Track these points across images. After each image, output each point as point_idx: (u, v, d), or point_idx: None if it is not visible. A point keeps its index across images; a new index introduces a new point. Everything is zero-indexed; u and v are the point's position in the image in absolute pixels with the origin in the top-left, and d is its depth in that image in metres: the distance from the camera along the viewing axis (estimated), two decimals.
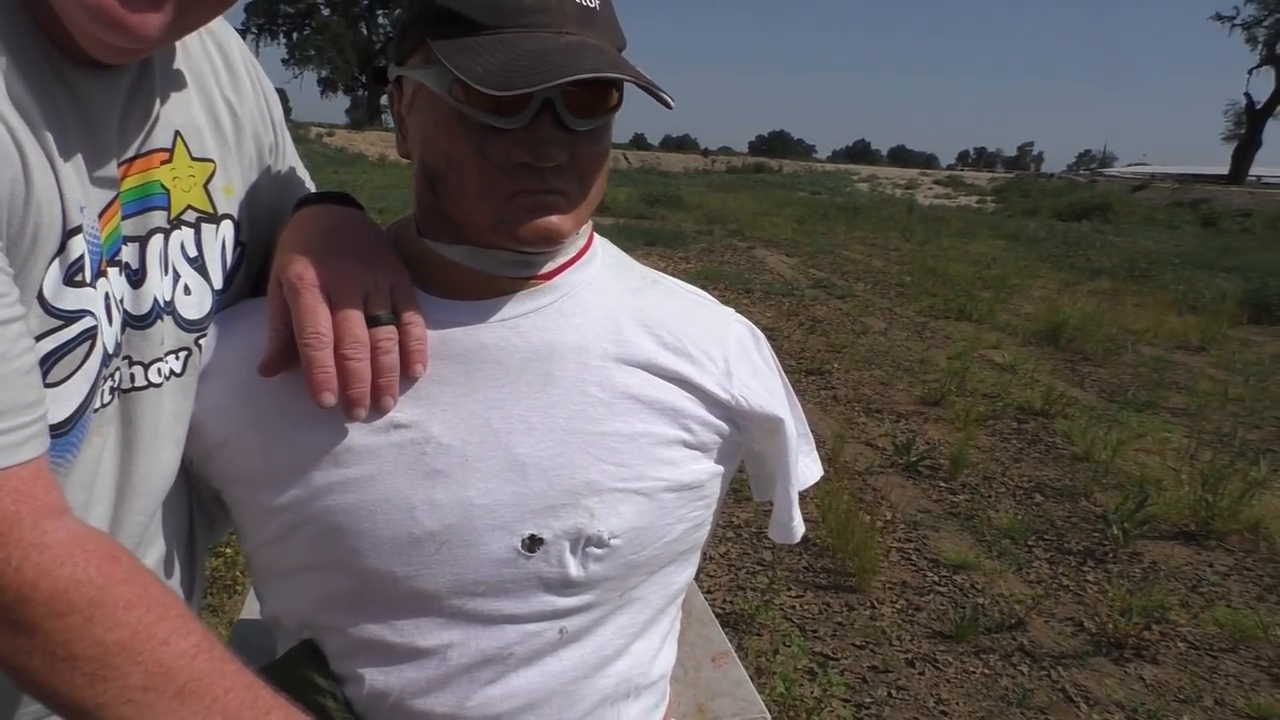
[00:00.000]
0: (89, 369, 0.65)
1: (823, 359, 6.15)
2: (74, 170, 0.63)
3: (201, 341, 0.79)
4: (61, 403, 0.64)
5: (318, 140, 29.71)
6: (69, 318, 0.63)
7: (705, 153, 67.47)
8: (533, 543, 0.76)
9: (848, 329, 7.26)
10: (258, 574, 0.85)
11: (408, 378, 0.75)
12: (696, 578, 1.23)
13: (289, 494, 0.75)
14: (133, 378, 0.72)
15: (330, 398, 0.71)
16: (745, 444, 0.87)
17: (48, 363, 0.62)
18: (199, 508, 0.87)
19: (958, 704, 2.61)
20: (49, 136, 0.61)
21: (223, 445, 0.79)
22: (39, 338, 0.61)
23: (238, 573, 2.87)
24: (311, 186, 0.96)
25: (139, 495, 0.74)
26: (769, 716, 1.09)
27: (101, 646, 0.54)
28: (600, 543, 0.77)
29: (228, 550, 2.98)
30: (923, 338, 7.25)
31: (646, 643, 0.86)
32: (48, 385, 0.62)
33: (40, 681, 0.54)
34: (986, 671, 2.79)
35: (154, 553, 0.79)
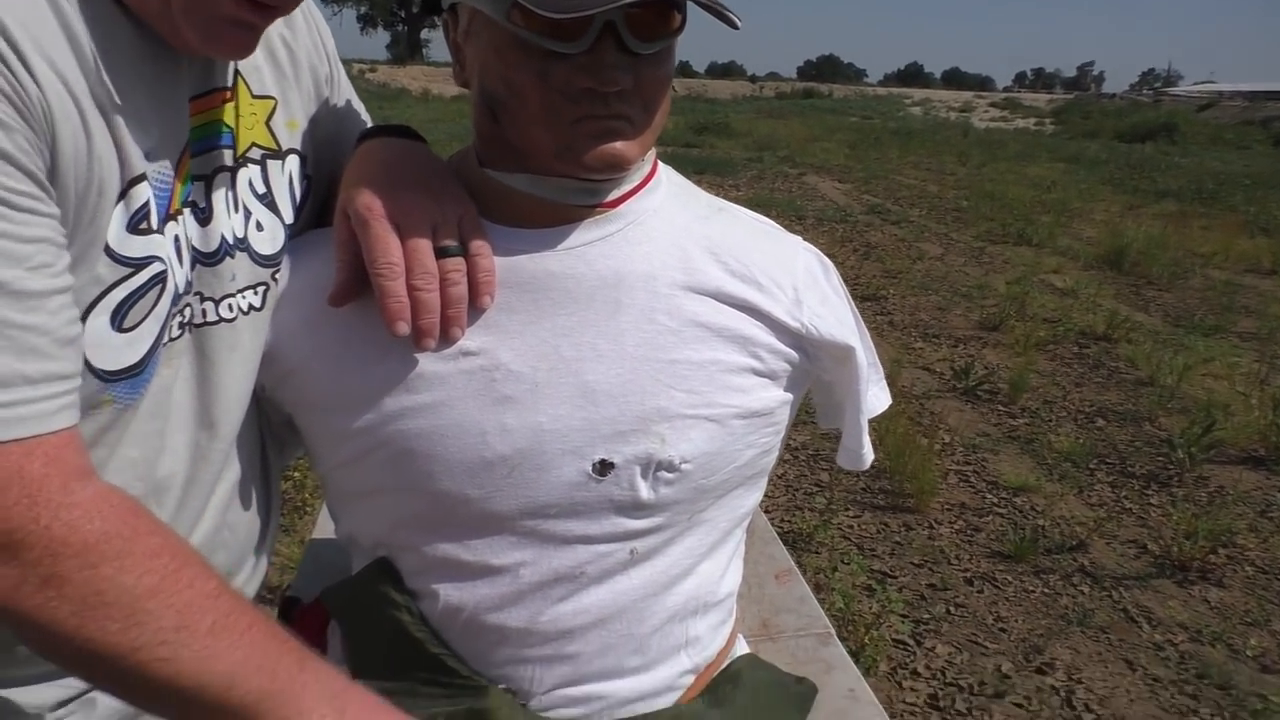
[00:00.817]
0: (160, 311, 0.66)
1: (878, 285, 6.04)
2: (137, 117, 0.63)
3: (278, 275, 0.80)
4: (136, 346, 0.65)
5: (360, 76, 29.40)
6: (137, 264, 0.64)
7: (753, 79, 66.26)
8: (603, 467, 0.75)
9: (903, 255, 7.12)
10: (332, 495, 0.85)
11: (476, 308, 0.75)
12: None
13: (361, 419, 0.75)
14: (204, 313, 0.73)
15: (405, 327, 0.71)
16: (815, 372, 0.86)
17: (121, 310, 0.63)
18: (270, 432, 0.88)
19: (1016, 621, 2.59)
20: (108, 86, 0.60)
21: (294, 372, 0.79)
22: (110, 287, 0.62)
23: (306, 495, 2.93)
24: (367, 117, 0.96)
25: (219, 424, 0.75)
26: (831, 630, 1.09)
27: (133, 593, 0.55)
28: (671, 467, 0.76)
29: (295, 474, 3.04)
30: (980, 263, 7.08)
31: (714, 562, 0.85)
32: (122, 330, 0.63)
33: (70, 634, 0.55)
34: (1046, 591, 2.75)
35: (230, 477, 0.80)
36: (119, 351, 0.64)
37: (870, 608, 2.58)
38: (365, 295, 0.74)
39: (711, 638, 0.88)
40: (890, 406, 0.91)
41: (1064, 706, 2.25)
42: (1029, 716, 2.20)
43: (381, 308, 0.71)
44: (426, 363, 0.75)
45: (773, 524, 3.07)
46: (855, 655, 2.26)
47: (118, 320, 0.63)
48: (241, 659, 0.58)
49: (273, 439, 0.89)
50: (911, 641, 2.49)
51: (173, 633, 0.56)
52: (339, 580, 0.88)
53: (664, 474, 0.76)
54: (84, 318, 0.60)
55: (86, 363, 0.61)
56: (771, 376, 0.81)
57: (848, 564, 2.82)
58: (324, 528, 1.24)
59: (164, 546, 0.58)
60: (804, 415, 4.05)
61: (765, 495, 3.29)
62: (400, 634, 0.81)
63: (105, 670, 0.56)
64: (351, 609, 0.85)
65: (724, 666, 0.90)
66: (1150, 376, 4.56)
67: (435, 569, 0.79)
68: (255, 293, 0.77)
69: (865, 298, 5.79)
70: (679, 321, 0.77)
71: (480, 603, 0.78)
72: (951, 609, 2.64)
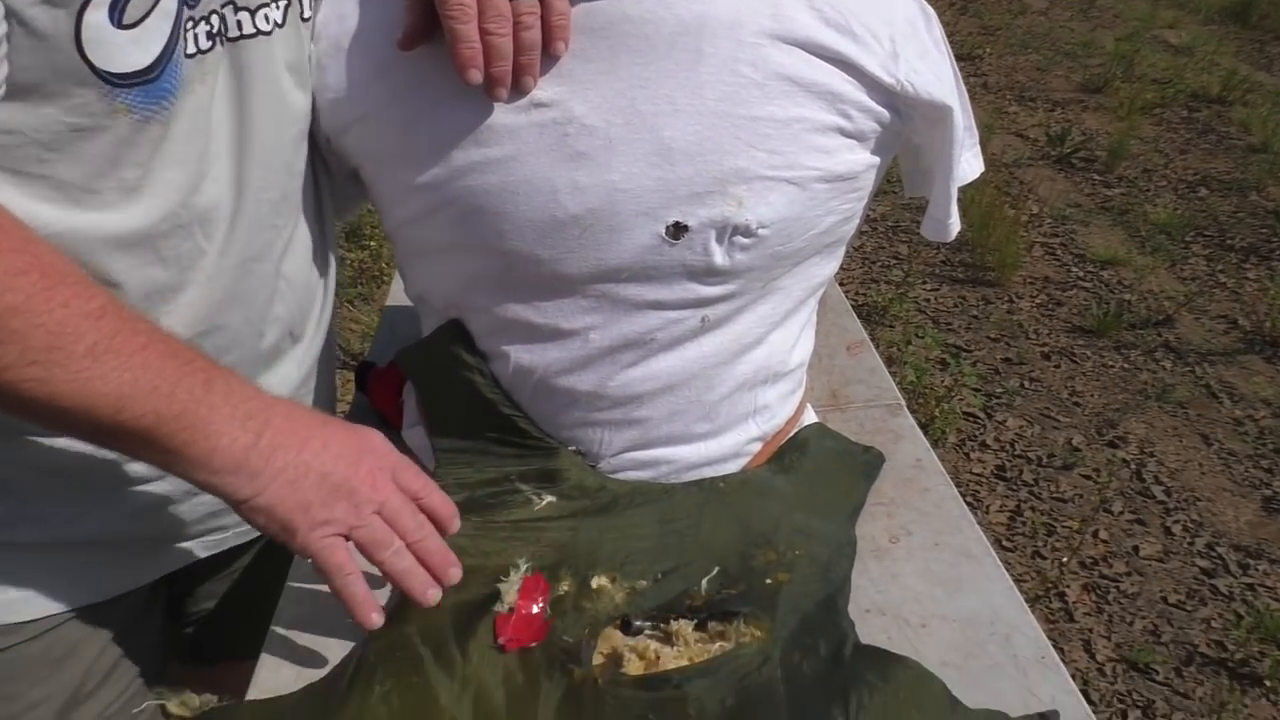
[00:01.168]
0: (165, 6, 0.60)
1: (974, 43, 5.64)
2: None
3: None
4: (144, 45, 0.60)
5: None
6: None
7: None
8: (677, 230, 0.72)
9: (1003, 9, 6.59)
10: (401, 253, 0.85)
11: (550, 55, 0.70)
12: None
13: (429, 173, 0.73)
14: (239, 25, 0.68)
15: (477, 75, 0.67)
16: (905, 134, 0.80)
17: (118, 4, 0.57)
18: (330, 186, 0.86)
19: (1092, 396, 2.57)
20: None
21: (360, 120, 0.76)
22: None
23: (384, 264, 2.99)
24: None
25: (258, 149, 0.71)
26: (901, 401, 1.08)
27: None
28: (747, 232, 0.73)
29: (371, 243, 3.08)
30: (1089, 17, 6.53)
31: (785, 331, 0.84)
32: (123, 27, 0.58)
33: None
34: (1126, 366, 2.71)
35: (288, 227, 0.78)
36: (124, 51, 0.58)
37: (942, 381, 2.59)
38: (436, 39, 0.70)
39: (780, 406, 0.88)
40: (979, 174, 0.85)
41: (1133, 479, 2.27)
42: (1096, 488, 2.23)
43: (453, 53, 0.67)
44: (498, 114, 0.71)
45: (847, 296, 3.04)
46: (924, 427, 2.28)
47: (116, 14, 0.57)
48: (130, 380, 0.56)
49: (332, 194, 0.87)
50: (982, 415, 2.51)
51: (44, 352, 0.53)
52: (412, 343, 0.89)
53: (740, 239, 0.73)
54: (80, 12, 0.55)
55: (89, 64, 0.57)
56: (859, 138, 0.76)
57: (922, 337, 2.80)
58: (399, 296, 1.25)
59: (33, 265, 0.54)
60: (885, 184, 3.92)
61: (841, 266, 3.24)
62: (473, 395, 0.82)
63: None
64: (424, 370, 0.86)
65: (791, 435, 0.91)
66: (1264, 142, 4.26)
67: (505, 330, 0.79)
68: (277, 7, 0.71)
69: (959, 57, 5.37)
70: (764, 74, 0.71)
71: (550, 366, 0.78)
72: (1026, 383, 2.64)
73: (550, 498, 0.81)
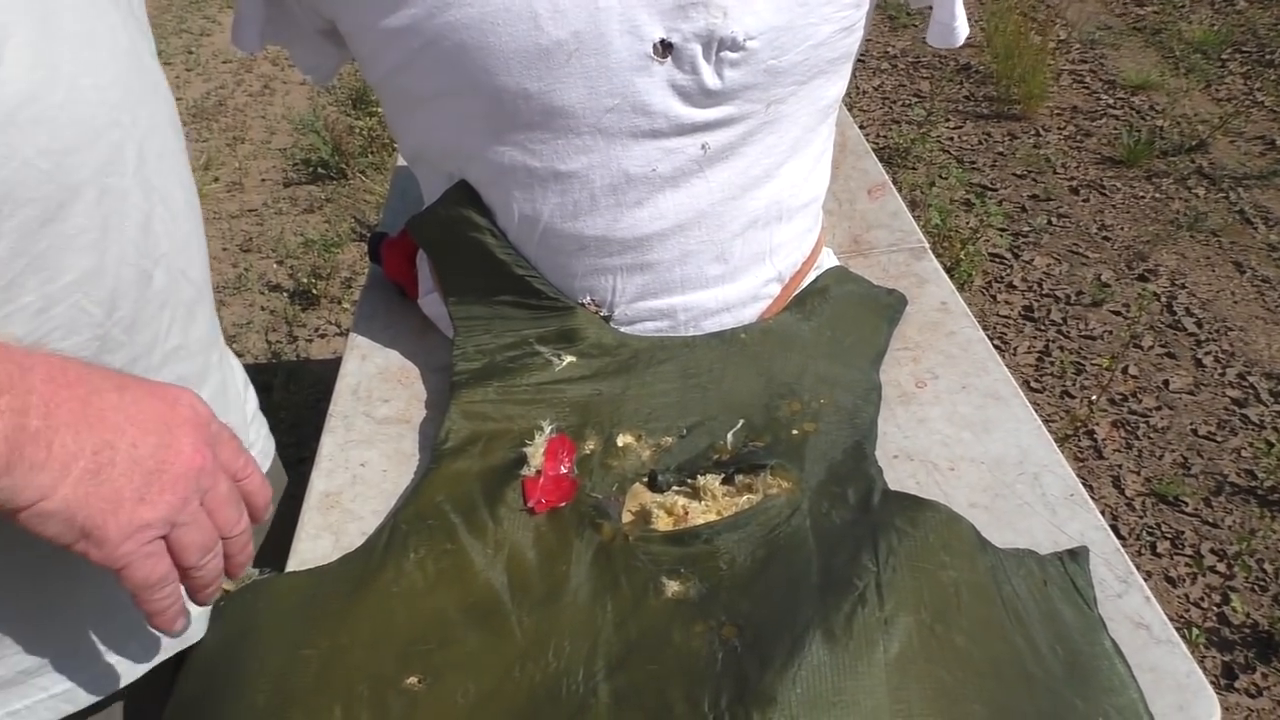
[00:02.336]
0: None
1: None
2: None
3: None
4: None
5: None
6: None
7: None
8: (664, 48, 0.70)
9: None
10: (391, 110, 0.83)
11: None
12: (850, 110, 1.17)
13: (405, 14, 0.70)
14: None
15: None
16: None
17: None
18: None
19: (1122, 229, 2.53)
20: None
21: None
22: None
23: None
24: None
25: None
26: (925, 245, 1.06)
27: None
28: (735, 45, 0.70)
29: (380, 109, 3.01)
30: None
31: (797, 164, 0.82)
32: None
33: None
34: (1157, 196, 2.65)
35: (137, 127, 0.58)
36: None
37: (967, 222, 2.54)
38: None
39: (796, 245, 0.87)
40: (1000, 0, 0.81)
41: (1164, 312, 2.24)
42: (1126, 323, 2.21)
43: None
44: None
45: (866, 138, 2.96)
46: (950, 271, 2.26)
47: None
48: None
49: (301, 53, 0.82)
50: (1009, 255, 2.47)
51: None
52: (422, 209, 0.88)
53: (728, 54, 0.71)
54: None
55: None
56: None
57: (946, 178, 2.74)
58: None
59: None
60: (902, 18, 3.76)
61: (859, 109, 3.16)
62: (485, 257, 0.82)
63: None
64: (436, 236, 0.85)
65: (812, 280, 0.90)
66: None
67: (504, 178, 0.78)
68: None
69: None
70: None
71: (554, 212, 0.78)
72: (1053, 220, 2.58)
73: (570, 358, 0.81)
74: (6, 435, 0.42)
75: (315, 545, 0.72)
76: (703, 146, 0.75)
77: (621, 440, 0.76)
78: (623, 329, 0.83)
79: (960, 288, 2.24)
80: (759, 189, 0.80)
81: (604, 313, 0.83)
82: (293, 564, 0.70)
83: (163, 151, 0.58)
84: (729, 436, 0.75)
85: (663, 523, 0.69)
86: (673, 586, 0.63)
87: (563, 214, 0.77)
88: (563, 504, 0.70)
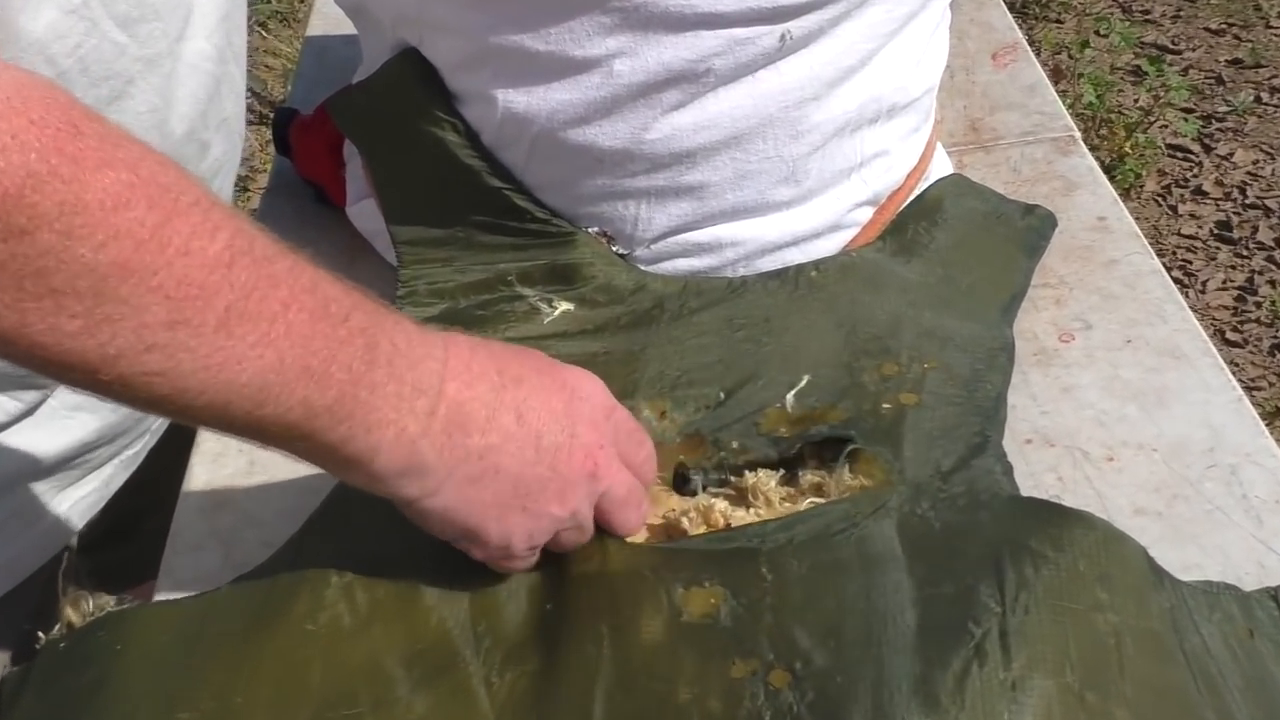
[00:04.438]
0: None
1: None
2: None
3: None
4: None
5: None
6: None
7: None
8: None
9: None
10: None
11: None
12: None
13: None
14: None
15: None
16: None
17: None
18: None
19: None
20: None
21: None
22: None
23: None
24: None
25: None
26: (1075, 132, 1.06)
27: (93, 273, 0.47)
28: None
29: None
30: None
31: (903, 44, 0.82)
32: None
33: (12, 337, 0.48)
34: None
35: None
36: None
37: (1136, 100, 2.52)
38: None
39: (899, 154, 0.87)
40: None
41: None
42: None
43: None
44: None
45: None
46: (1110, 171, 2.24)
47: None
48: (274, 362, 0.53)
49: None
50: (1196, 148, 2.45)
51: (164, 331, 0.50)
52: (350, 84, 0.88)
53: None
54: None
55: None
56: None
57: (1105, 35, 2.72)
58: (332, 15, 1.22)
59: (133, 185, 0.49)
60: None
61: None
62: (444, 161, 0.81)
63: (76, 381, 0.52)
64: (370, 124, 0.86)
65: (916, 195, 0.90)
66: None
67: (489, 62, 0.78)
68: None
69: None
70: None
71: (557, 113, 0.77)
72: (1264, 96, 2.56)
73: (565, 305, 0.81)
74: (415, 436, 0.57)
75: (196, 561, 0.72)
76: (782, 37, 0.75)
77: (640, 416, 0.75)
78: (643, 266, 0.84)
79: (1124, 195, 2.22)
80: (851, 81, 0.80)
81: (619, 249, 0.83)
82: (164, 588, 0.70)
83: (231, 10, 0.75)
84: (789, 398, 0.75)
85: (696, 529, 0.69)
86: (695, 603, 0.62)
87: (569, 116, 0.77)
88: None
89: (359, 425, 0.56)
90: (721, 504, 0.70)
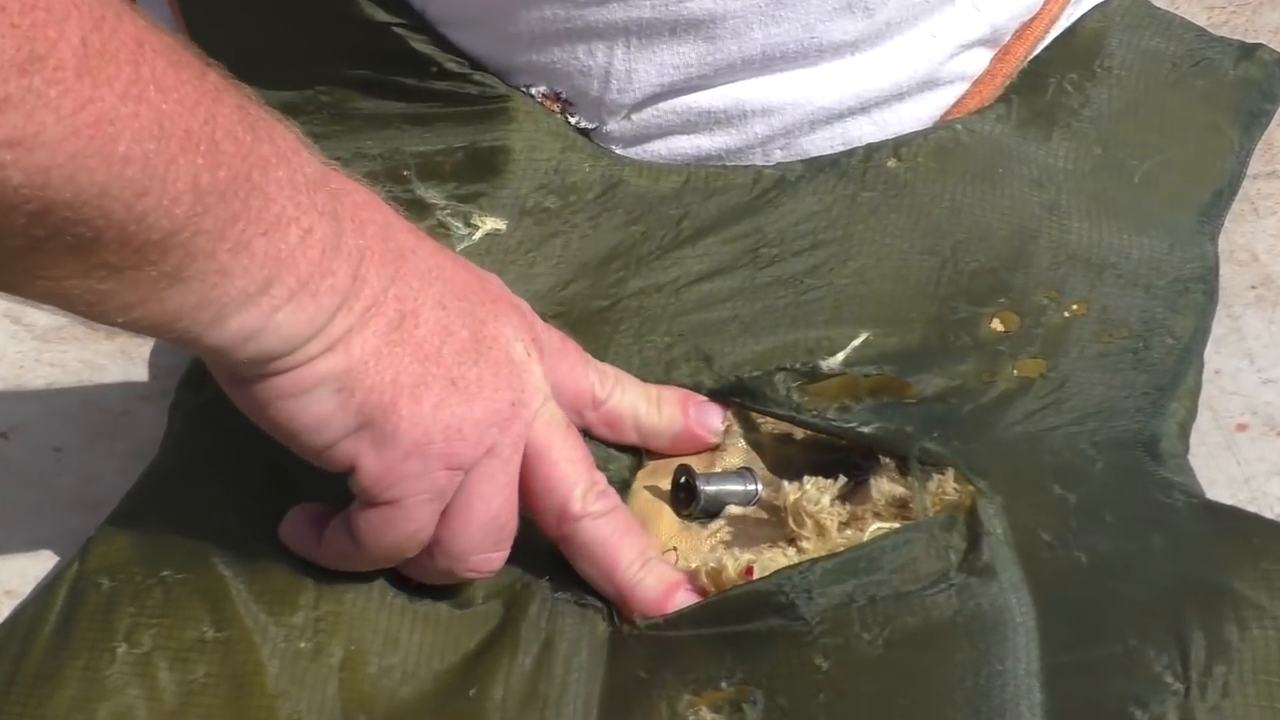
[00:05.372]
0: None
1: None
2: None
3: None
4: None
5: None
6: None
7: None
8: None
9: None
10: None
11: None
12: None
13: None
14: None
15: None
16: None
17: None
18: None
19: None
20: None
21: None
22: None
23: None
24: None
25: None
26: None
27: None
28: None
29: None
30: None
31: None
32: None
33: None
34: None
35: None
36: None
37: None
38: None
39: None
40: None
41: None
42: None
43: None
44: None
45: None
46: None
47: None
48: (151, 121, 0.48)
49: None
50: None
51: (16, 75, 0.44)
52: None
53: None
54: None
55: None
56: None
57: None
58: None
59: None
60: None
61: None
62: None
63: None
64: None
65: (1062, 30, 0.84)
66: None
67: None
68: None
69: None
70: None
71: None
72: None
73: (492, 222, 0.74)
74: (325, 240, 0.53)
75: None
76: None
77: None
78: (618, 150, 0.76)
79: None
80: None
81: (580, 120, 0.76)
82: None
83: None
84: (839, 358, 0.68)
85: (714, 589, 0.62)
86: (710, 715, 0.56)
87: None
88: None
89: (253, 224, 0.51)
90: (745, 556, 0.62)
